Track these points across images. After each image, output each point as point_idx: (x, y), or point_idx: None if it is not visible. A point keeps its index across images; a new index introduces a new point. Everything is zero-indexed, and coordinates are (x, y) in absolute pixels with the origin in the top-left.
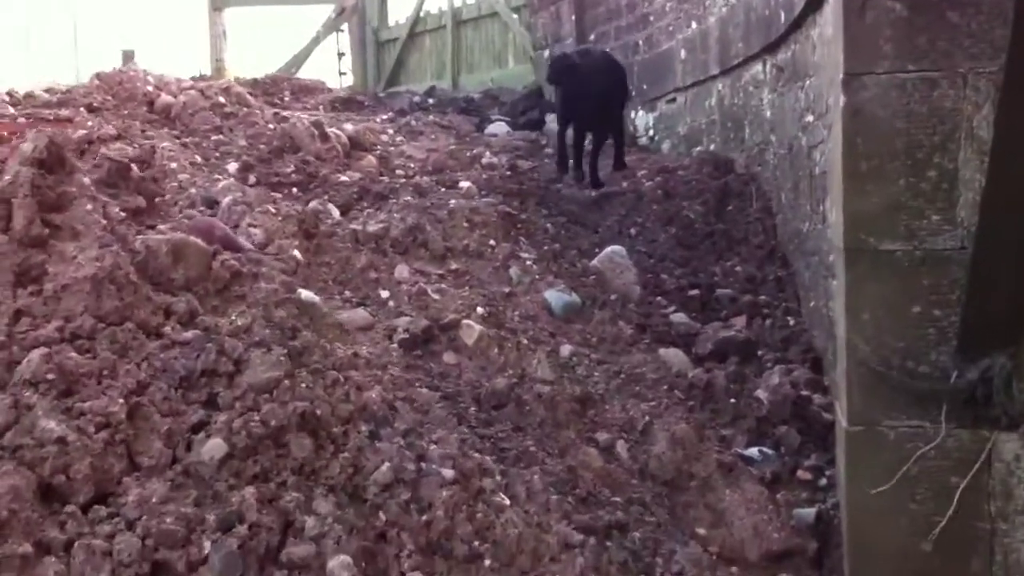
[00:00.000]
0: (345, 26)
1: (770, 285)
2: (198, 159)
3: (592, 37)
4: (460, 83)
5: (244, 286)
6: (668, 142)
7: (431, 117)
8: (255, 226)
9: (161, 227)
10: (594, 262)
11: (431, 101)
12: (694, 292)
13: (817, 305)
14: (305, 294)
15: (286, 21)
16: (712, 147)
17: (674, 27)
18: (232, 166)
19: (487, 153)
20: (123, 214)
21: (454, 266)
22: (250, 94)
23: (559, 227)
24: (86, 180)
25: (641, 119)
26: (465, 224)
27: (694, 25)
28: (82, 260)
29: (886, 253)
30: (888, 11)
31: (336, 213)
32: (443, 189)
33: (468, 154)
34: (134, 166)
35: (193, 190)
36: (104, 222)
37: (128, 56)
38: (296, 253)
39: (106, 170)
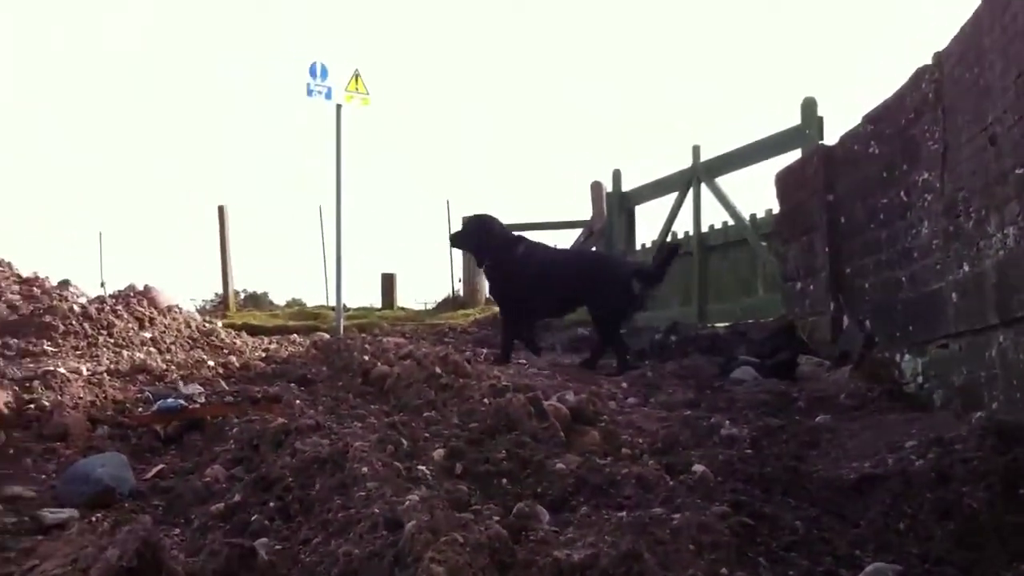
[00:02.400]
0: (593, 248)
1: None
2: (403, 444)
3: (847, 271)
4: (707, 311)
5: None
6: (940, 393)
7: (669, 365)
8: (437, 562)
9: None
10: None
11: (673, 339)
12: None
13: None
14: None
15: None
16: (995, 405)
17: (943, 266)
18: (439, 452)
19: (726, 423)
20: None
21: None
22: None
23: (809, 524)
24: None
25: (908, 363)
26: (691, 547)
27: (966, 267)
28: None
29: None
30: None
31: (545, 517)
32: (670, 481)
33: (705, 424)
34: None
35: (377, 508)
36: None
37: (388, 280)
38: None
39: None
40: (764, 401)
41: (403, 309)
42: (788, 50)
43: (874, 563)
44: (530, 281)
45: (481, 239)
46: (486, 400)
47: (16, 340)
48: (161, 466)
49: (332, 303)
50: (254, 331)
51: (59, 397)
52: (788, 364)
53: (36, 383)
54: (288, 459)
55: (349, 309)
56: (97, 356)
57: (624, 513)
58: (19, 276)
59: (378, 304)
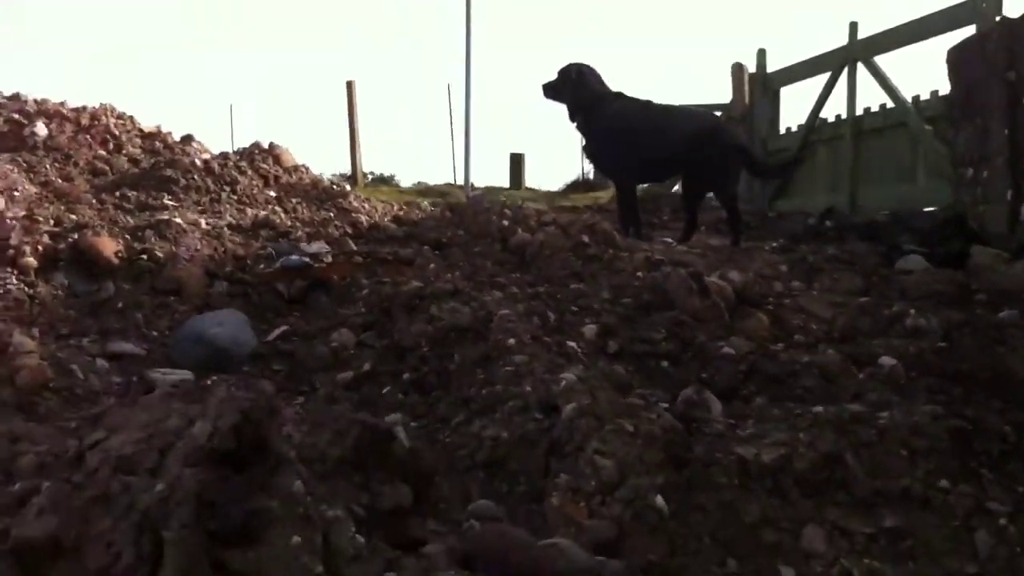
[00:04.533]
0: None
1: None
2: (550, 317)
3: None
4: (858, 200)
5: None
6: None
7: (830, 250)
8: (603, 453)
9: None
10: None
11: (828, 224)
12: None
13: None
14: None
15: None
16: None
17: None
18: (590, 328)
19: (911, 312)
20: None
21: (888, 522)
22: None
23: (1021, 430)
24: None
25: None
26: (902, 452)
27: None
28: None
29: None
30: None
31: (717, 407)
32: (860, 375)
33: (886, 312)
34: None
35: (528, 387)
36: None
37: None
38: (659, 501)
39: None
40: (940, 291)
41: (531, 190)
42: None
43: None
44: (624, 141)
45: (574, 91)
46: (639, 274)
47: (135, 193)
48: (284, 327)
49: (460, 181)
50: None
51: (174, 248)
52: (960, 255)
53: (149, 232)
54: (424, 326)
55: (477, 188)
56: (219, 212)
57: (820, 408)
58: (141, 130)
59: (506, 184)
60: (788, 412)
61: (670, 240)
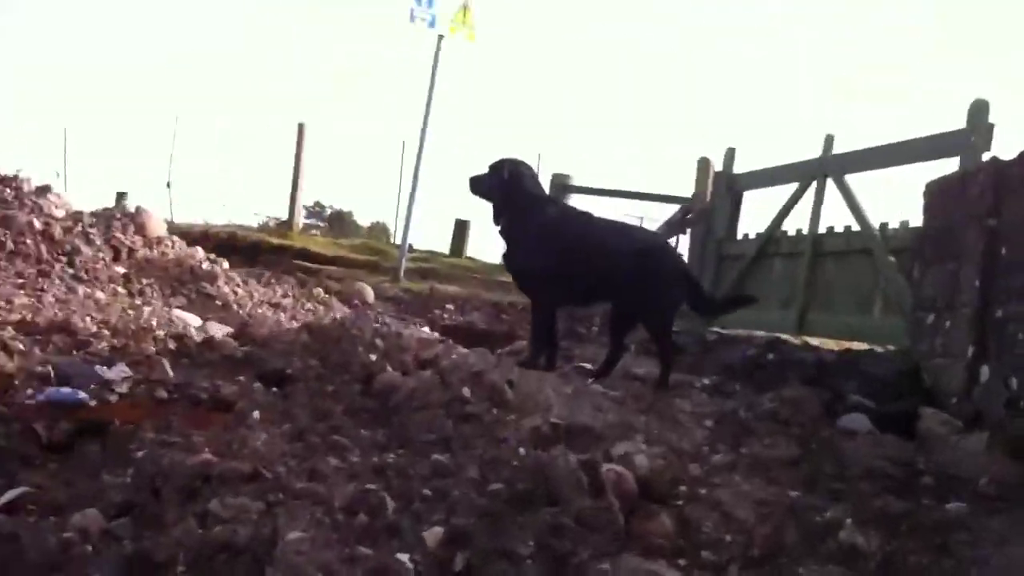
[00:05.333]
0: (689, 230)
1: None
2: (388, 507)
3: (999, 313)
4: (808, 323)
5: None
6: None
7: (766, 401)
8: None
9: None
10: None
11: (770, 358)
12: None
13: None
14: None
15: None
16: None
17: None
18: (434, 532)
19: (847, 522)
20: None
21: None
22: None
23: None
24: None
25: None
26: None
27: None
28: None
29: None
30: None
31: None
32: None
33: (818, 519)
34: None
35: None
36: None
37: (461, 226)
38: None
39: None
40: (883, 472)
41: (471, 259)
42: (956, 44)
43: None
44: (552, 254)
45: (504, 190)
46: (521, 450)
47: None
48: (22, 490)
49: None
50: (310, 258)
51: None
52: (908, 416)
53: None
54: (192, 528)
55: (416, 251)
56: (42, 290)
57: None
58: None
59: (447, 250)
60: None
61: (589, 366)
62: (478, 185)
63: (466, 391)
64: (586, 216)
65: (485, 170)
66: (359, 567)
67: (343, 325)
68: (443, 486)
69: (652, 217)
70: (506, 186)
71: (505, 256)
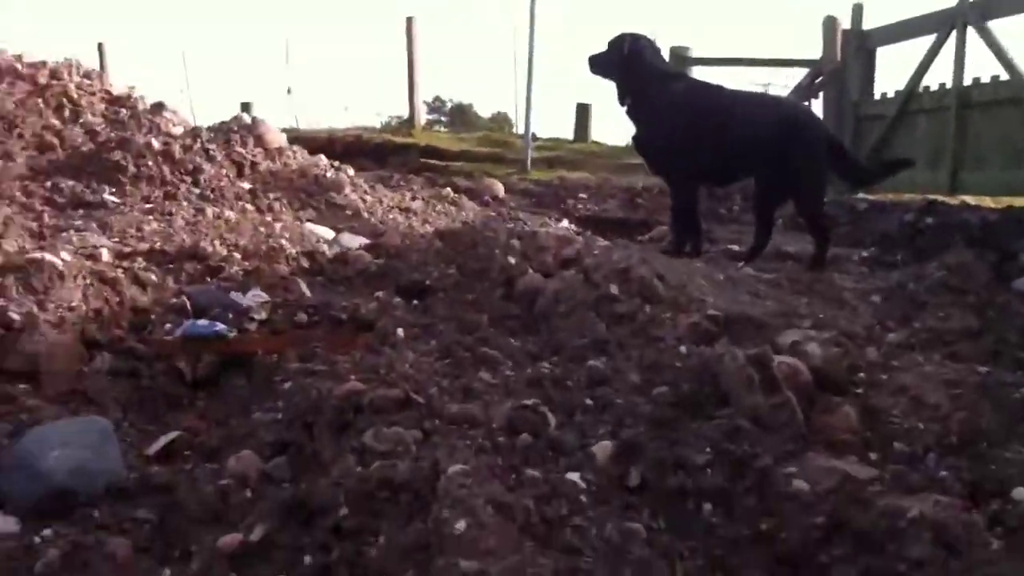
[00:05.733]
0: (821, 94)
1: None
2: (549, 423)
3: None
4: (961, 182)
5: None
6: None
7: (933, 268)
8: None
9: None
10: None
11: (929, 222)
12: None
13: None
14: None
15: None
16: None
17: None
18: (603, 446)
19: None
20: None
21: None
22: None
23: None
24: None
25: None
26: None
27: None
28: None
29: None
30: None
31: None
32: (992, 541)
33: (1015, 396)
34: None
35: None
36: None
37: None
38: None
39: None
40: None
41: (597, 143)
42: None
43: None
44: (685, 132)
45: (626, 68)
46: (682, 349)
47: (73, 182)
48: (174, 435)
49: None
50: (436, 154)
51: (34, 308)
52: None
53: (9, 279)
54: (350, 467)
55: (539, 139)
56: (171, 213)
57: None
58: (108, 93)
59: (570, 136)
60: None
61: (736, 248)
62: (598, 64)
63: (614, 289)
64: (716, 88)
65: (604, 48)
66: (528, 492)
67: (477, 228)
68: (604, 394)
69: (778, 84)
70: (628, 62)
71: (635, 137)
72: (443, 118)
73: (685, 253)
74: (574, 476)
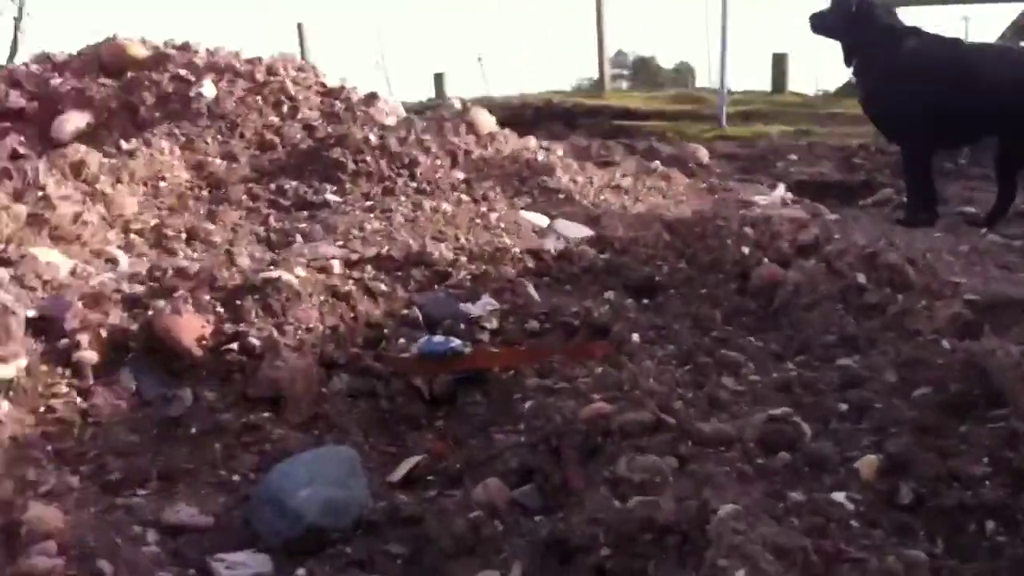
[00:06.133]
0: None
1: None
2: (806, 434)
3: None
4: None
5: None
6: None
7: None
8: None
9: None
10: None
11: None
12: None
13: None
14: None
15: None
16: None
17: None
18: (867, 460)
19: None
20: None
21: None
22: None
23: None
24: None
25: None
26: None
27: None
28: None
29: None
30: None
31: None
32: None
33: None
34: None
35: None
36: None
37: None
38: None
39: None
40: None
41: (795, 94)
42: None
43: None
44: (919, 91)
45: (853, 25)
46: (944, 343)
47: (295, 183)
48: (417, 459)
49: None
50: (627, 115)
51: (274, 332)
52: None
53: (248, 300)
54: (605, 499)
55: (733, 93)
56: (390, 209)
57: None
58: (323, 86)
59: (767, 88)
60: None
61: (971, 210)
62: (821, 23)
63: (861, 277)
64: (952, 43)
65: (826, 6)
66: (796, 519)
67: (707, 217)
68: (859, 398)
69: (979, 22)
70: (855, 20)
71: (863, 100)
72: (625, 71)
73: (921, 222)
74: (839, 496)
